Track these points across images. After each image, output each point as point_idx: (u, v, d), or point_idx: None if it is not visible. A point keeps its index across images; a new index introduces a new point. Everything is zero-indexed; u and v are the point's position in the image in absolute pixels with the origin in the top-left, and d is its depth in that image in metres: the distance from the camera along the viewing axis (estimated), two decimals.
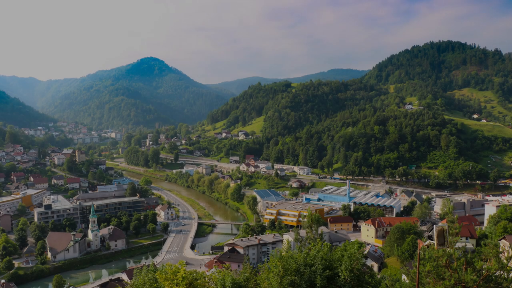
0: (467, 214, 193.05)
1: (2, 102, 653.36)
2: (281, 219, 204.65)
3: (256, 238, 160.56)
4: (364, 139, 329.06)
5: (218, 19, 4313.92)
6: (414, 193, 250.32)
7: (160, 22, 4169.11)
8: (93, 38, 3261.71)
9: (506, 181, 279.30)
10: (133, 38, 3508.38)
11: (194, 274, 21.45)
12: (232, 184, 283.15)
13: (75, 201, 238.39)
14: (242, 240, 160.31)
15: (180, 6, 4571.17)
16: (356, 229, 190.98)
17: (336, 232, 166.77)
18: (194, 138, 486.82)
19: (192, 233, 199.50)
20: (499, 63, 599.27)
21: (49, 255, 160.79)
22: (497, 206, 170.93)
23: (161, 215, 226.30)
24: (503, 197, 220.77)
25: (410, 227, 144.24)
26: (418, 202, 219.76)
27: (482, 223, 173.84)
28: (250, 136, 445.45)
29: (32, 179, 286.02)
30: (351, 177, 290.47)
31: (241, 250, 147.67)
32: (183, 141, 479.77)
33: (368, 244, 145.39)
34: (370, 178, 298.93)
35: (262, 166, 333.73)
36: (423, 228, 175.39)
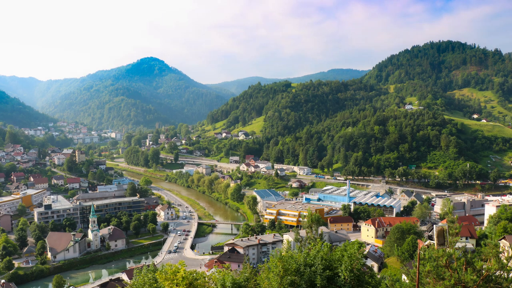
0: (467, 214, 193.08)
1: (2, 102, 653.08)
2: (281, 219, 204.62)
3: (256, 238, 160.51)
4: (364, 139, 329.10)
5: (241, 16, 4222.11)
6: (414, 193, 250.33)
7: (180, 19, 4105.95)
8: (97, 37, 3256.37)
9: (506, 181, 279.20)
10: (144, 37, 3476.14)
11: (194, 274, 21.45)
12: (232, 184, 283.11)
13: (75, 201, 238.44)
14: (242, 240, 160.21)
15: (204, 1, 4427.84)
16: (356, 229, 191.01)
17: (336, 232, 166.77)
18: (194, 138, 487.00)
19: (192, 233, 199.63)
20: (499, 63, 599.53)
21: (49, 255, 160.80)
22: (497, 206, 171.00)
23: (161, 215, 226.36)
24: (503, 197, 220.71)
25: (410, 227, 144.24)
26: (418, 202, 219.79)
27: (482, 223, 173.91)
28: (250, 136, 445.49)
29: (32, 179, 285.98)
30: (351, 177, 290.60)
31: (241, 250, 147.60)
32: (183, 141, 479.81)
33: (368, 244, 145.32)
34: (370, 178, 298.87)
35: (262, 166, 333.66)
36: (423, 228, 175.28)
